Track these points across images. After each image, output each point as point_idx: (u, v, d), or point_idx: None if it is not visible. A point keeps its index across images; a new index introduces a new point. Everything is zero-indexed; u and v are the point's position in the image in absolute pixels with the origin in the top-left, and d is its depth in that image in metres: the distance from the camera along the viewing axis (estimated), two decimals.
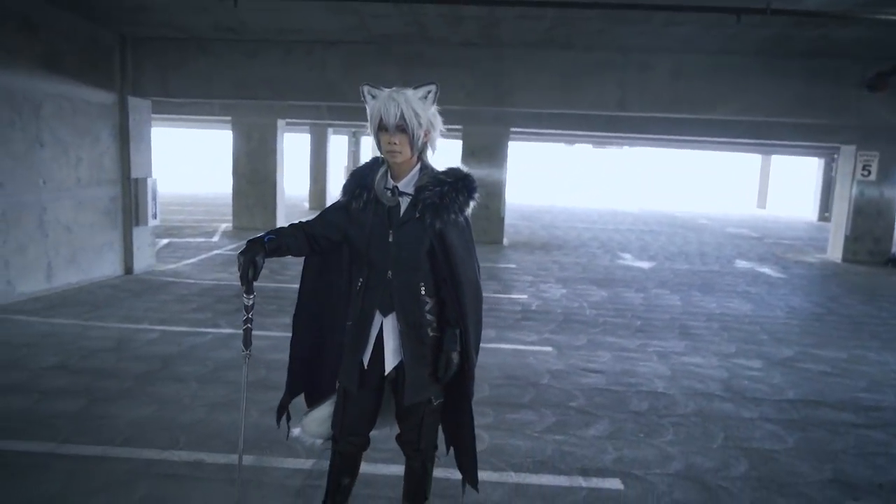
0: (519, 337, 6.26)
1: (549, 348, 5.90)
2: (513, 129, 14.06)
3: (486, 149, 13.60)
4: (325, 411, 2.50)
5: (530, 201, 27.50)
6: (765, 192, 30.96)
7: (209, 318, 6.40)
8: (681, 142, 20.25)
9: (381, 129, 2.23)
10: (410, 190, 2.28)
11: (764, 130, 14.26)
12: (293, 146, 23.60)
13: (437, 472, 2.76)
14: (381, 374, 2.35)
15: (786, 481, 3.39)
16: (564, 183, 39.66)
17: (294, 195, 20.02)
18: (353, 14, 6.94)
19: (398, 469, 2.64)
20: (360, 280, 2.34)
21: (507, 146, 13.73)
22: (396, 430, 2.51)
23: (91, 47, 7.75)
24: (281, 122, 14.10)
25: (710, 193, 38.40)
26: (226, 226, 14.47)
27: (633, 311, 7.67)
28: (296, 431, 2.57)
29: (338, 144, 23.30)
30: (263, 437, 3.56)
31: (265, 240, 2.29)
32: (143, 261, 8.90)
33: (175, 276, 8.73)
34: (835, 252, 13.62)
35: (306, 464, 3.32)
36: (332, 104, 11.65)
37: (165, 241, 11.84)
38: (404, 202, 2.28)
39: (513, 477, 3.31)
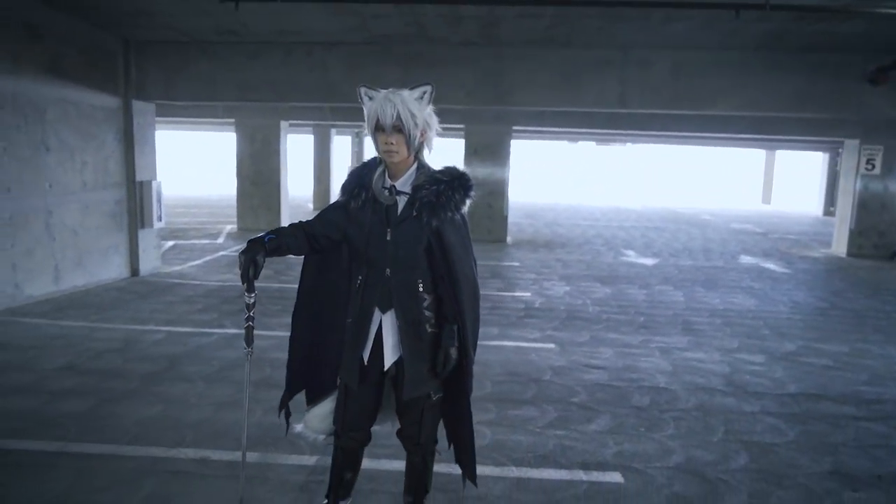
0: (522, 334, 6.30)
1: (551, 345, 5.93)
2: (515, 128, 14.09)
3: (488, 147, 13.64)
4: (326, 407, 2.55)
5: (534, 199, 27.53)
6: (769, 187, 30.87)
7: (214, 319, 6.46)
8: (684, 138, 20.23)
9: (377, 130, 2.27)
10: (407, 189, 2.32)
11: (767, 126, 14.23)
12: (297, 147, 23.69)
13: (439, 467, 2.80)
14: (381, 370, 2.39)
15: (785, 473, 3.42)
16: (568, 180, 39.65)
17: (298, 196, 20.10)
18: (353, 15, 6.99)
19: (400, 464, 2.68)
20: (360, 278, 2.38)
21: (509, 145, 13.76)
22: (397, 425, 2.56)
23: (95, 52, 7.83)
24: (284, 124, 14.17)
25: (714, 189, 38.32)
26: (230, 227, 14.55)
27: (636, 308, 7.69)
28: (298, 428, 2.62)
29: (341, 145, 23.39)
30: (268, 434, 3.62)
31: (265, 239, 2.33)
32: (149, 263, 8.97)
33: (180, 277, 8.80)
34: (839, 247, 13.59)
35: (310, 460, 3.37)
36: (334, 105, 11.71)
37: (171, 243, 11.93)
38: (402, 201, 2.32)
39: (514, 471, 3.35)
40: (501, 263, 10.92)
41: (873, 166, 13.15)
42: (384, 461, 3.29)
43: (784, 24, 6.86)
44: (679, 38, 7.58)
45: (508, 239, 13.98)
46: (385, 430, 2.74)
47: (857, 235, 13.22)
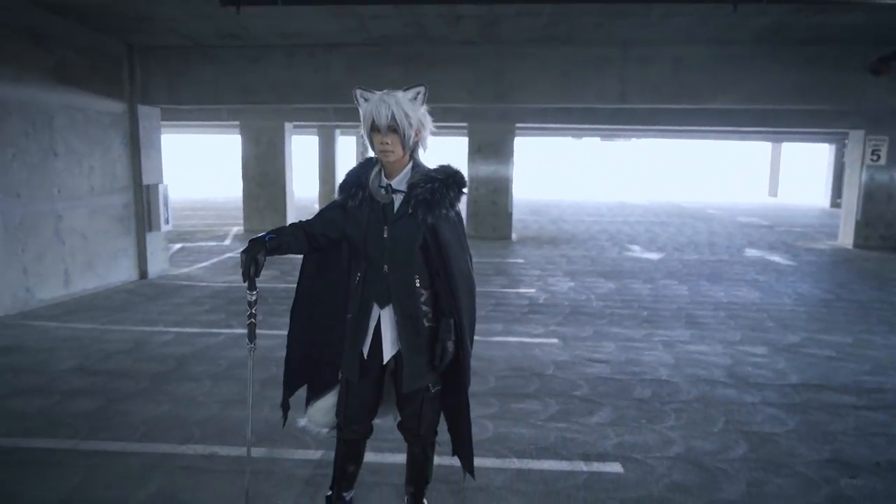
0: (525, 330, 6.35)
1: (554, 340, 5.98)
2: (518, 125, 14.12)
3: (492, 145, 13.69)
4: (329, 402, 2.62)
5: (539, 196, 27.54)
6: (776, 180, 30.74)
7: (222, 320, 6.55)
8: (689, 132, 20.17)
9: (373, 130, 2.33)
10: (403, 187, 2.38)
11: (771, 118, 14.20)
12: (302, 148, 23.81)
13: (441, 459, 2.86)
14: (381, 364, 2.45)
15: (783, 462, 3.46)
16: (573, 177, 39.60)
17: (304, 197, 20.21)
18: (352, 16, 7.05)
19: (402, 457, 2.74)
20: (359, 274, 2.45)
21: (513, 142, 13.80)
22: (398, 418, 2.62)
23: (100, 58, 7.94)
24: (288, 126, 14.28)
25: (720, 183, 38.17)
26: (237, 229, 14.67)
27: (640, 302, 7.72)
28: (302, 422, 2.68)
29: (346, 146, 23.47)
30: (274, 430, 3.68)
31: (266, 239, 2.40)
32: (157, 265, 9.09)
33: (188, 279, 8.91)
34: (846, 238, 13.55)
35: (315, 454, 3.44)
36: (336, 106, 11.78)
37: (178, 245, 12.05)
38: (398, 199, 2.38)
39: (515, 463, 3.41)
40: (506, 260, 10.97)
41: (879, 157, 13.10)
42: (387, 454, 3.36)
43: (783, 17, 6.87)
44: (678, 33, 7.60)
45: (513, 236, 14.02)
46: (387, 423, 2.80)
47: (864, 227, 13.18)
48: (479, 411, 4.10)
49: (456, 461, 2.61)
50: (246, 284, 2.43)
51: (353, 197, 2.42)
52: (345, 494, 2.67)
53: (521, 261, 10.92)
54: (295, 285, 2.66)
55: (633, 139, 26.67)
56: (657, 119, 14.26)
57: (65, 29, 7.28)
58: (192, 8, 6.74)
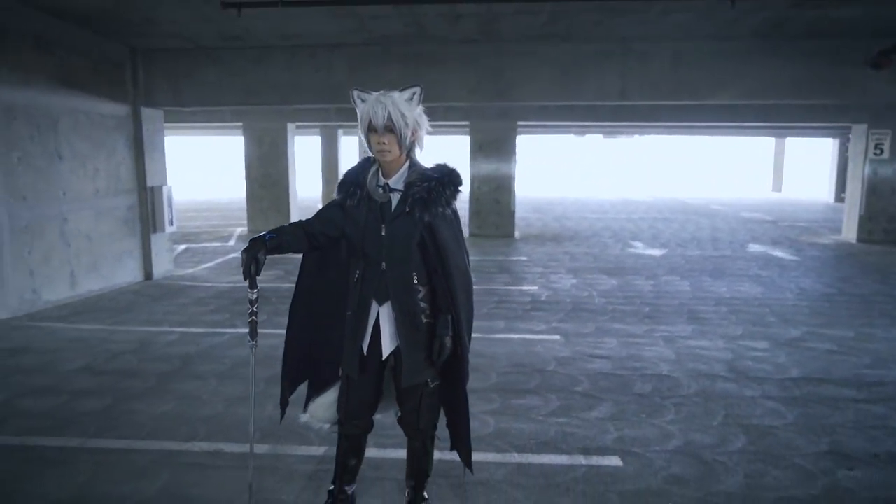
0: (528, 327, 6.39)
1: (556, 337, 6.02)
2: (520, 123, 14.14)
3: (494, 143, 13.72)
4: (330, 397, 2.67)
5: (542, 194, 27.54)
6: (780, 175, 30.65)
7: (226, 319, 6.62)
8: (692, 128, 20.15)
9: (370, 131, 2.38)
10: (400, 186, 2.43)
11: (773, 113, 14.17)
12: (305, 148, 23.88)
13: (442, 455, 2.91)
14: (380, 360, 2.50)
15: (782, 454, 3.49)
16: (576, 174, 39.59)
17: (307, 197, 20.30)
18: (353, 17, 7.10)
19: (404, 453, 2.78)
20: (357, 272, 2.49)
21: (514, 140, 13.83)
22: (399, 413, 2.66)
23: (103, 61, 8.01)
24: (291, 126, 14.34)
25: (724, 179, 38.08)
26: (241, 230, 14.75)
27: (642, 299, 7.75)
28: (304, 418, 2.73)
29: (349, 145, 23.54)
30: (277, 427, 3.71)
31: (266, 238, 2.45)
32: (162, 266, 9.16)
33: (193, 280, 8.98)
34: (849, 232, 13.53)
35: (318, 450, 3.49)
36: (339, 106, 11.83)
37: (183, 246, 12.13)
38: (395, 198, 2.43)
39: (515, 457, 3.45)
40: (509, 258, 11.00)
41: (882, 151, 13.07)
42: (389, 450, 3.41)
43: (782, 12, 6.88)
44: (678, 29, 7.62)
45: (516, 233, 14.05)
46: (388, 419, 2.85)
47: (867, 221, 13.16)
48: (480, 407, 4.15)
49: (457, 456, 2.66)
50: (247, 283, 2.47)
51: (352, 196, 2.46)
52: (347, 488, 2.72)
53: (524, 258, 10.95)
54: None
55: (636, 136, 26.64)
56: (659, 115, 14.25)
57: (68, 33, 7.36)
58: (194, 11, 6.80)
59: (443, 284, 2.43)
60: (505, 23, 7.42)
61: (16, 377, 4.79)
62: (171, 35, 7.87)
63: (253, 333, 2.59)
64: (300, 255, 2.65)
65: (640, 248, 12.18)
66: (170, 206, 9.11)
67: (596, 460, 3.42)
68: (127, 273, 8.52)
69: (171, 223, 9.20)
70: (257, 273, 2.42)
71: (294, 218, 14.33)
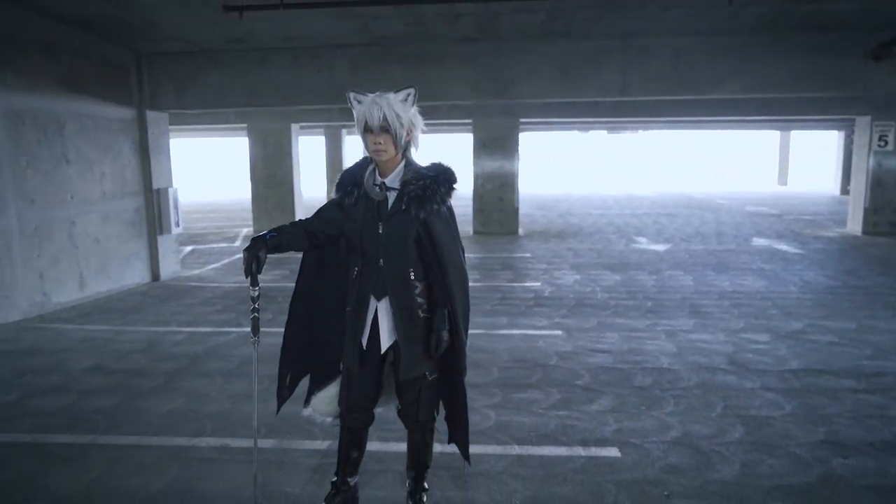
0: (530, 322, 6.44)
1: (558, 332, 6.07)
2: (522, 120, 14.19)
3: (497, 141, 13.77)
4: (331, 392, 2.74)
5: (547, 191, 27.57)
6: (785, 168, 30.54)
7: (233, 319, 6.71)
8: (696, 123, 20.12)
9: (366, 131, 2.45)
10: (396, 185, 2.49)
11: (777, 106, 14.16)
12: (309, 149, 23.98)
13: (444, 447, 2.97)
14: (379, 354, 2.57)
15: (778, 444, 3.54)
16: (580, 170, 39.57)
17: (312, 197, 20.41)
18: (354, 18, 7.17)
19: (405, 446, 2.84)
20: (356, 269, 2.56)
21: (517, 137, 13.87)
22: (400, 406, 2.73)
23: (108, 66, 8.12)
24: (295, 127, 14.44)
25: (729, 173, 37.97)
26: (247, 230, 14.86)
27: (644, 293, 7.79)
28: (307, 411, 2.80)
29: (353, 145, 23.64)
30: (282, 422, 3.81)
31: (267, 237, 2.52)
32: (169, 268, 9.28)
33: (199, 280, 9.09)
34: (854, 225, 13.51)
35: (322, 445, 3.57)
36: (342, 106, 11.91)
37: (190, 248, 12.25)
38: (391, 196, 2.50)
39: (515, 449, 3.52)
40: (513, 255, 11.05)
41: (886, 142, 13.04)
42: (391, 443, 3.48)
43: (778, 6, 6.91)
44: (678, 24, 7.65)
45: (520, 230, 14.10)
46: (390, 414, 2.91)
47: (872, 213, 13.14)
48: (481, 401, 4.22)
49: (456, 449, 2.72)
50: (248, 281, 2.55)
51: (350, 195, 2.53)
52: (349, 480, 2.79)
53: (527, 255, 11.00)
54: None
55: (640, 131, 26.61)
56: (661, 110, 14.26)
57: (74, 39, 7.46)
58: (197, 15, 6.89)
59: (439, 280, 2.50)
60: (504, 21, 7.47)
61: (27, 377, 4.90)
62: (175, 38, 7.96)
63: (255, 329, 2.66)
64: (296, 251, 2.71)
65: (643, 243, 12.21)
66: (176, 207, 9.21)
67: (595, 451, 3.48)
68: (134, 274, 8.64)
69: (178, 225, 9.31)
70: (258, 271, 2.50)
71: (299, 218, 14.42)
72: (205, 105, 9.07)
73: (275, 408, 2.85)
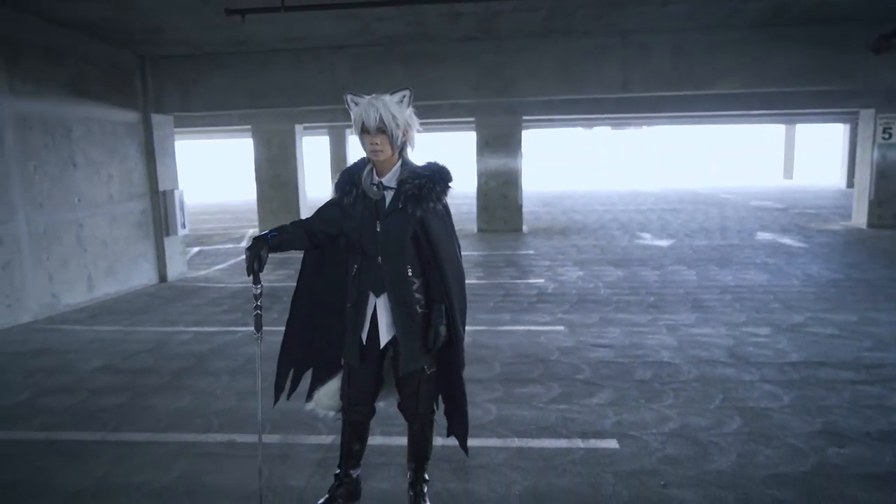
0: (533, 318, 6.50)
1: (560, 327, 6.12)
2: (525, 118, 14.22)
3: (500, 139, 13.82)
4: (333, 386, 2.81)
5: (551, 188, 27.58)
6: (791, 162, 30.43)
7: (239, 318, 6.80)
8: (700, 118, 20.10)
9: (363, 132, 2.51)
10: (393, 184, 2.56)
11: (780, 100, 14.12)
12: (314, 149, 24.10)
13: (445, 441, 3.03)
14: (379, 349, 2.64)
15: (775, 434, 3.59)
16: (585, 167, 39.53)
17: (316, 197, 20.49)
18: (355, 19, 7.23)
19: (406, 439, 2.91)
20: (355, 266, 2.63)
21: (520, 135, 13.91)
22: (400, 400, 2.80)
23: (113, 70, 8.22)
24: (299, 127, 14.54)
25: (734, 167, 37.84)
26: (253, 231, 14.97)
27: (647, 289, 7.82)
28: (310, 406, 2.88)
29: (357, 145, 23.73)
30: (287, 418, 3.90)
31: (269, 237, 2.59)
32: (176, 269, 9.38)
33: (206, 281, 9.19)
34: (859, 218, 13.48)
35: (327, 439, 3.64)
36: (344, 107, 12.00)
37: (196, 249, 12.36)
38: (389, 195, 2.56)
39: (516, 442, 3.58)
40: (517, 252, 11.10)
41: (890, 135, 13.00)
42: (394, 437, 3.55)
43: (780, 0, 6.91)
44: (678, 20, 7.67)
45: (524, 228, 14.14)
46: (393, 409, 2.98)
47: (877, 206, 13.11)
48: (483, 396, 4.28)
49: (457, 442, 2.79)
50: (251, 279, 2.62)
51: (348, 195, 2.60)
52: (352, 472, 2.86)
53: (531, 252, 11.05)
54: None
55: (644, 127, 26.57)
56: (664, 106, 14.25)
57: (79, 43, 7.57)
58: (200, 18, 6.98)
59: (436, 276, 2.56)
60: (505, 20, 7.52)
61: (38, 377, 5.00)
62: (178, 42, 8.05)
63: (258, 326, 2.74)
64: (297, 250, 2.78)
65: (647, 239, 12.24)
66: (182, 209, 9.31)
67: (594, 443, 3.54)
68: (142, 276, 8.75)
69: (184, 226, 9.41)
70: (260, 269, 2.57)
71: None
72: (209, 107, 9.16)
73: (280, 404, 2.92)
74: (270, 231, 2.63)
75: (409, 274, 2.57)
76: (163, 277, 9.12)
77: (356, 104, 2.52)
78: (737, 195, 21.86)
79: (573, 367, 4.93)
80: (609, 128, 26.41)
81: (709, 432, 3.65)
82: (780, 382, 4.45)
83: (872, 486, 3.03)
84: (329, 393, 2.81)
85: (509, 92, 8.66)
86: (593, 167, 39.46)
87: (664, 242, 11.69)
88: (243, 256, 11.56)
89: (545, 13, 7.27)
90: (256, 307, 2.71)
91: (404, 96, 2.51)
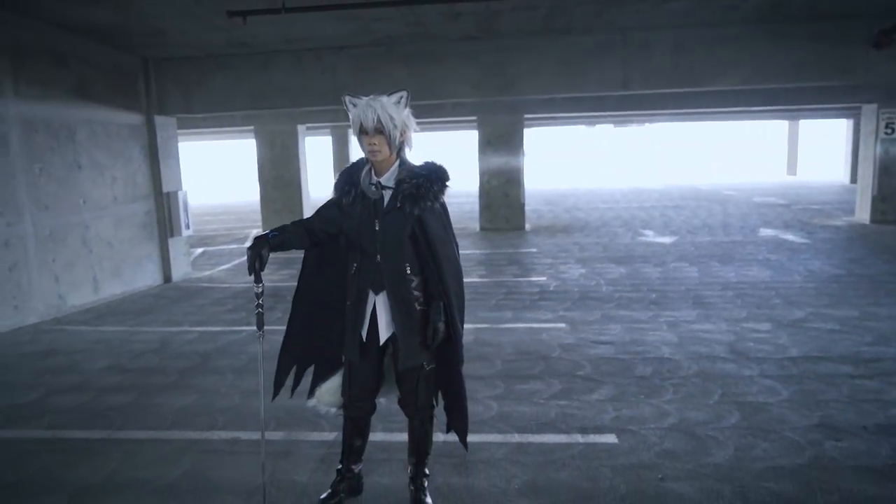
0: (534, 316, 6.54)
1: (562, 325, 6.16)
2: (527, 116, 14.25)
3: (502, 137, 13.85)
4: (335, 383, 2.86)
5: (554, 186, 27.58)
6: (794, 158, 30.33)
7: (243, 318, 6.86)
8: (703, 114, 20.05)
9: (362, 133, 2.56)
10: (391, 184, 2.61)
11: (782, 96, 14.10)
12: (317, 149, 24.17)
13: (446, 436, 3.08)
14: (379, 345, 2.69)
15: (773, 428, 3.62)
16: (588, 164, 39.51)
17: (319, 196, 20.58)
18: (355, 20, 7.28)
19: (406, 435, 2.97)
20: (355, 265, 2.68)
21: (522, 133, 13.94)
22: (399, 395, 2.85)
23: (116, 72, 8.29)
24: (301, 128, 14.60)
25: (738, 164, 37.76)
26: (256, 231, 15.03)
27: (649, 286, 7.85)
28: (312, 402, 2.93)
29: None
30: (291, 415, 3.96)
31: (269, 236, 2.65)
32: (181, 269, 9.46)
33: (210, 281, 9.26)
34: (862, 213, 13.46)
35: (329, 436, 3.70)
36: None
37: (200, 249, 12.44)
38: (387, 195, 2.61)
39: (516, 437, 3.63)
40: (519, 250, 11.14)
41: (893, 130, 12.98)
42: (395, 434, 3.60)
43: None
44: (678, 16, 7.68)
45: (527, 226, 14.17)
46: (394, 406, 3.03)
47: (880, 201, 13.09)
48: (484, 392, 4.33)
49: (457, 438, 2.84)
50: (252, 278, 2.67)
51: (347, 195, 2.65)
52: (353, 467, 2.92)
53: (533, 250, 11.09)
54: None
55: (647, 124, 26.54)
56: (666, 103, 14.24)
57: (83, 47, 7.64)
58: (202, 20, 7.04)
59: (434, 274, 2.61)
60: (505, 19, 7.55)
61: (47, 377, 5.07)
62: (181, 44, 8.12)
63: (260, 324, 2.79)
64: (297, 249, 2.83)
65: (650, 236, 12.25)
66: (186, 210, 9.38)
67: (593, 438, 3.58)
68: (147, 276, 8.82)
69: (188, 227, 9.48)
70: (261, 268, 2.62)
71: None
72: (211, 109, 9.22)
73: (283, 401, 2.97)
74: (271, 231, 2.69)
75: (408, 272, 2.62)
76: (167, 278, 9.19)
77: (354, 105, 2.56)
78: (740, 191, 21.82)
79: (574, 363, 4.97)
80: (611, 125, 26.41)
81: (707, 427, 3.69)
82: (779, 377, 4.48)
83: (867, 478, 3.06)
84: (330, 390, 2.86)
85: (510, 90, 8.69)
86: (596, 165, 39.43)
87: (666, 239, 11.71)
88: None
89: (545, 11, 7.29)
90: (258, 305, 2.76)
91: (401, 97, 2.55)
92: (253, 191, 17.79)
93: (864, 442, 3.42)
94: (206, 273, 9.97)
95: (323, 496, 2.90)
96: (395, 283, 2.61)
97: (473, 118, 14.05)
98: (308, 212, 14.82)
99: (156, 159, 8.96)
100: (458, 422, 2.79)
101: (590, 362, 4.98)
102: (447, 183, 2.61)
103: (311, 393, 2.93)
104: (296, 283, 2.93)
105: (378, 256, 2.61)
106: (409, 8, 6.85)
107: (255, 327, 2.86)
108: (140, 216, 8.71)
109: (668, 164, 39.00)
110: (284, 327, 2.93)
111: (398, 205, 2.56)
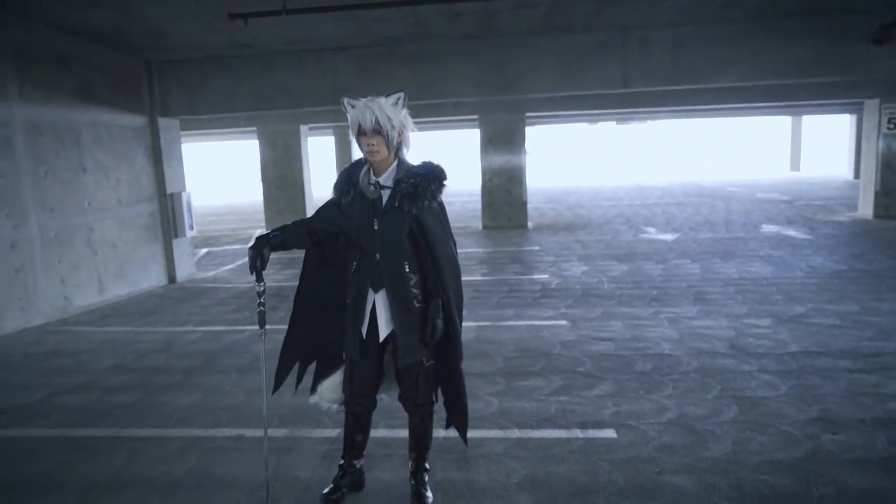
0: (536, 313, 6.58)
1: (563, 322, 6.20)
2: (529, 114, 14.28)
3: (503, 136, 13.88)
4: (336, 380, 2.91)
5: (556, 183, 27.60)
6: (797, 153, 30.28)
7: (246, 318, 6.92)
8: (705, 111, 20.03)
9: (360, 134, 2.60)
10: (390, 183, 2.65)
11: (784, 92, 14.08)
12: (319, 149, 24.23)
13: (447, 432, 3.12)
14: (379, 343, 2.74)
15: (770, 422, 3.65)
16: (590, 162, 39.48)
17: (322, 196, 20.62)
18: (356, 21, 7.33)
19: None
20: (354, 263, 2.73)
21: (524, 132, 13.97)
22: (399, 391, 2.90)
23: (120, 75, 8.36)
24: (304, 128, 14.66)
25: (741, 160, 37.68)
26: (260, 231, 15.11)
27: (650, 283, 7.88)
28: (314, 399, 2.98)
29: None
30: (294, 413, 4.01)
31: (270, 236, 2.69)
32: (185, 270, 9.53)
33: (214, 281, 9.33)
34: (865, 209, 13.45)
35: (332, 433, 3.74)
36: None
37: (204, 250, 12.52)
38: (385, 194, 2.66)
39: (516, 433, 3.67)
40: (521, 248, 11.18)
41: (895, 125, 12.96)
42: (397, 430, 3.64)
43: None
44: (677, 14, 7.71)
45: (529, 224, 14.21)
46: (396, 404, 3.07)
47: (883, 196, 13.08)
48: (485, 389, 4.37)
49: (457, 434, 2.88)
50: (254, 277, 2.72)
51: (346, 195, 2.70)
52: (355, 462, 2.97)
53: (536, 248, 11.12)
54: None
55: (649, 121, 26.52)
56: (668, 100, 14.25)
57: (86, 50, 7.71)
58: (204, 23, 7.09)
59: (432, 271, 2.66)
60: (504, 18, 7.59)
61: (53, 377, 5.13)
62: (183, 46, 8.18)
63: (262, 323, 2.84)
64: (298, 249, 2.88)
65: (652, 233, 12.27)
66: (189, 211, 9.46)
67: (592, 433, 3.62)
68: (151, 277, 8.90)
69: (192, 228, 9.55)
70: (263, 268, 2.67)
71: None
72: (214, 110, 9.29)
73: (287, 399, 3.02)
74: (273, 231, 2.73)
75: (407, 270, 2.66)
76: (172, 279, 9.26)
77: (352, 107, 2.61)
78: (743, 188, 21.81)
79: (574, 360, 5.01)
80: (614, 122, 26.40)
81: (705, 421, 3.72)
82: (778, 372, 4.51)
83: (864, 471, 3.09)
84: (332, 387, 2.91)
85: (510, 89, 8.73)
86: (598, 162, 39.41)
87: (669, 236, 11.72)
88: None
89: (544, 10, 7.32)
90: (260, 304, 2.81)
91: (399, 98, 2.60)
92: (256, 191, 17.87)
93: (861, 435, 3.45)
94: (210, 273, 10.04)
95: (325, 491, 2.95)
96: (394, 281, 2.65)
97: (475, 117, 14.09)
98: (311, 211, 14.84)
99: (159, 161, 9.03)
100: (458, 418, 2.83)
101: (590, 359, 5.01)
102: (444, 182, 2.65)
103: (312, 390, 2.98)
104: (297, 283, 2.97)
105: (377, 255, 2.65)
106: (409, 8, 6.89)
107: (256, 326, 2.91)
108: (144, 217, 8.78)
109: (670, 161, 38.94)
110: (286, 326, 2.98)
111: (396, 204, 2.60)
